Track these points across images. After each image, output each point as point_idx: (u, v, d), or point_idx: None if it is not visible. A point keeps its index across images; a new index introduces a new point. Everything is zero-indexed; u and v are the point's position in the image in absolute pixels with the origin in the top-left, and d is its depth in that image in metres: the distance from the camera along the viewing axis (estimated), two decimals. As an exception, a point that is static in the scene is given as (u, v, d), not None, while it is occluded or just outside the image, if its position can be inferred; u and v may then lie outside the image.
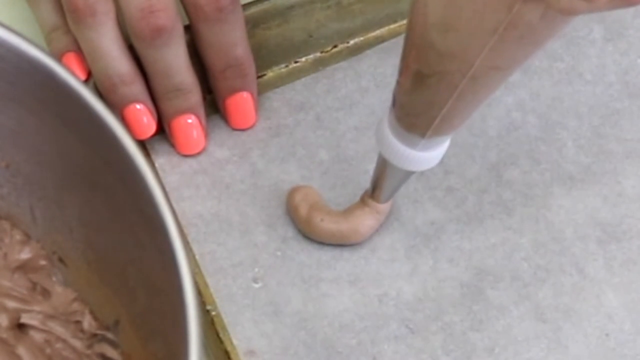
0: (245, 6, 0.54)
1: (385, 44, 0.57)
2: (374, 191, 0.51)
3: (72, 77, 0.40)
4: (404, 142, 0.46)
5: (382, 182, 0.50)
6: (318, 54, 0.57)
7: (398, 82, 0.44)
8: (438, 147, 0.46)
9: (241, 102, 0.55)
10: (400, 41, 0.43)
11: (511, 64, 0.40)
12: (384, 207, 0.52)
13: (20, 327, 0.48)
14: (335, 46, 0.57)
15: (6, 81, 0.42)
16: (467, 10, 0.37)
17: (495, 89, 0.42)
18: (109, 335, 0.46)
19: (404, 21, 0.55)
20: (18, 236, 0.48)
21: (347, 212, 0.53)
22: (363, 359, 0.51)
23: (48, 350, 0.47)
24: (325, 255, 0.53)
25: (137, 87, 0.53)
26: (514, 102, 0.57)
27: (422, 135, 0.44)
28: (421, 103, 0.43)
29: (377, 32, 0.58)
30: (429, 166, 0.47)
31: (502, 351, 0.51)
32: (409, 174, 0.48)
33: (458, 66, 0.39)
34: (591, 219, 0.54)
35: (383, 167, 0.48)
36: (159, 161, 0.55)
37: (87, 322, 0.47)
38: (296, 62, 0.57)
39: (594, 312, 0.52)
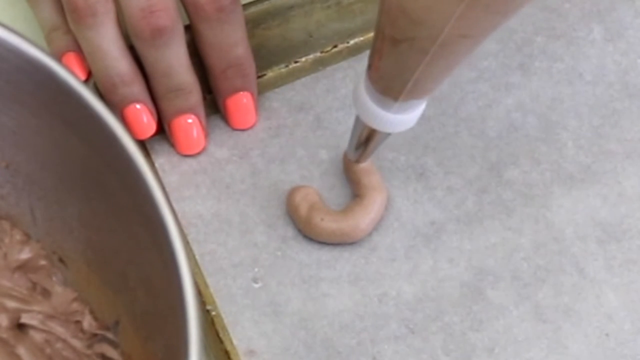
0: (245, 6, 0.55)
1: (385, 44, 0.58)
2: (351, 152, 0.52)
3: (72, 77, 0.40)
4: (379, 105, 0.46)
5: (358, 143, 0.50)
6: (318, 54, 0.57)
7: (372, 47, 0.45)
8: (413, 110, 0.47)
9: (241, 102, 0.55)
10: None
11: (479, 32, 0.41)
12: (380, 200, 0.52)
13: (20, 327, 0.48)
14: (335, 46, 0.57)
15: (6, 81, 0.42)
16: None
17: (467, 56, 0.43)
18: (109, 335, 0.46)
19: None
20: (18, 236, 0.48)
21: (347, 210, 0.53)
22: (363, 359, 0.51)
23: (48, 350, 0.47)
24: (325, 255, 0.53)
25: (137, 87, 0.53)
26: (514, 103, 0.57)
27: (396, 98, 0.45)
28: (394, 67, 0.44)
29: (377, 32, 0.58)
30: (404, 128, 0.48)
31: (502, 351, 0.51)
32: (385, 135, 0.49)
33: (428, 33, 0.40)
34: (591, 219, 0.54)
35: (360, 128, 0.49)
36: (159, 161, 0.55)
37: (87, 322, 0.47)
38: (296, 62, 0.57)
39: (594, 312, 0.52)
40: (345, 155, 0.53)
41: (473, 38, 0.41)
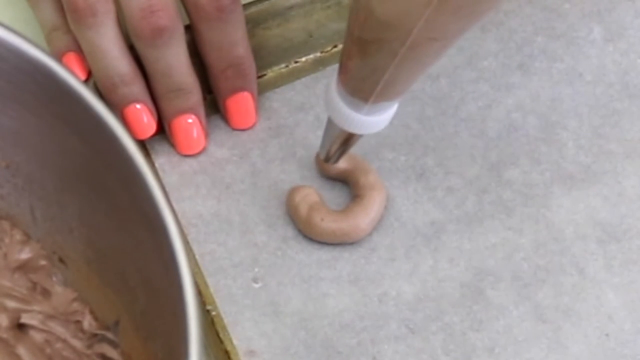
0: (246, 6, 0.55)
1: (385, 44, 0.58)
2: (323, 152, 0.51)
3: (72, 77, 0.40)
4: (349, 106, 0.46)
5: (331, 144, 0.50)
6: (318, 54, 0.57)
7: (343, 48, 0.44)
8: (384, 112, 0.47)
9: (241, 102, 0.55)
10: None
11: (449, 35, 0.41)
12: (380, 199, 0.52)
13: (20, 327, 0.48)
14: (335, 46, 0.57)
15: (6, 81, 0.42)
16: None
17: (436, 59, 0.42)
18: (109, 335, 0.46)
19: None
20: (18, 236, 0.48)
21: (347, 210, 0.53)
22: (363, 359, 0.51)
23: (48, 350, 0.47)
24: (325, 255, 0.53)
25: (137, 87, 0.53)
26: (513, 103, 0.57)
27: (366, 100, 0.45)
28: (364, 68, 0.44)
29: (377, 32, 0.58)
30: (375, 130, 0.47)
31: (502, 351, 0.51)
32: (356, 137, 0.49)
33: (397, 35, 0.40)
34: (591, 219, 0.54)
35: (332, 130, 0.49)
36: (159, 161, 0.55)
37: (87, 322, 0.47)
38: (296, 62, 0.57)
39: (594, 312, 0.52)
40: (317, 156, 0.53)
41: (442, 41, 0.41)
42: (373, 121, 0.47)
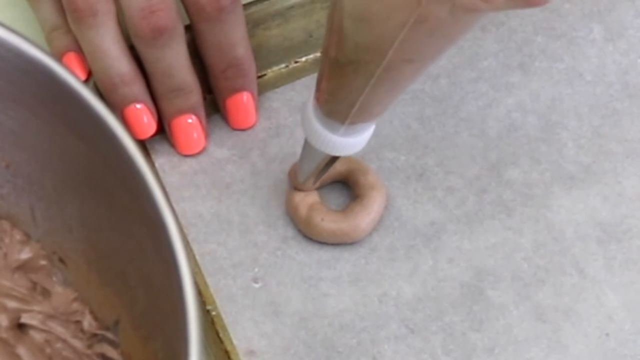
0: (246, 6, 0.55)
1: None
2: (301, 175, 0.51)
3: (72, 77, 0.40)
4: (325, 127, 0.46)
5: (307, 166, 0.50)
6: (318, 54, 0.57)
7: (319, 69, 0.44)
8: (360, 133, 0.46)
9: (241, 102, 0.55)
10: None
11: (424, 57, 0.40)
12: (380, 199, 0.52)
13: (21, 327, 0.48)
14: (335, 46, 0.57)
15: (6, 81, 0.42)
16: (379, 2, 0.38)
17: (412, 80, 0.42)
18: (109, 335, 0.46)
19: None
20: (18, 236, 0.48)
21: (347, 210, 0.53)
22: (363, 359, 0.51)
23: (48, 350, 0.47)
24: (325, 255, 0.53)
25: (137, 87, 0.53)
26: (514, 103, 0.57)
27: (342, 121, 0.45)
28: (339, 90, 0.43)
29: (377, 32, 0.58)
30: (351, 152, 0.47)
31: (502, 351, 0.51)
32: (333, 158, 0.49)
33: (372, 57, 0.40)
34: (591, 219, 0.54)
35: (308, 151, 0.49)
36: (159, 161, 0.55)
37: (87, 322, 0.47)
38: (296, 62, 0.57)
39: (594, 312, 0.52)
40: (290, 174, 0.53)
41: (418, 63, 0.41)
42: (350, 142, 0.47)
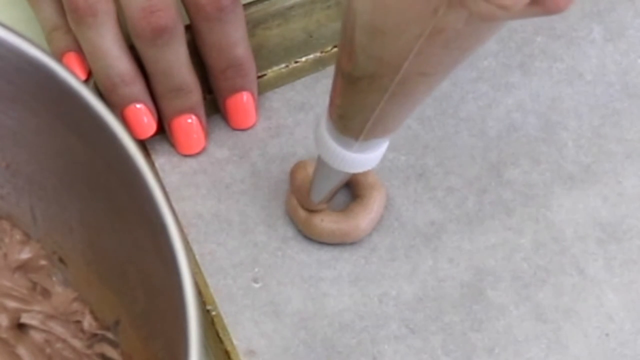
0: (246, 6, 0.55)
1: (386, 44, 0.58)
2: (316, 194, 0.51)
3: (72, 77, 0.40)
4: (339, 143, 0.46)
5: (321, 185, 0.50)
6: (318, 54, 0.57)
7: (332, 84, 0.44)
8: (375, 149, 0.46)
9: (241, 102, 0.55)
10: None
11: (438, 70, 0.40)
12: (380, 199, 0.52)
13: (21, 327, 0.48)
14: (335, 46, 0.57)
15: (6, 81, 0.42)
16: (393, 14, 0.37)
17: (427, 94, 0.42)
18: (109, 335, 0.46)
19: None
20: (18, 236, 0.48)
21: (347, 210, 0.53)
22: (363, 359, 0.51)
23: (48, 350, 0.47)
24: (325, 255, 0.53)
25: (137, 87, 0.53)
26: (514, 103, 0.57)
27: (356, 137, 0.45)
28: (353, 105, 0.43)
29: (377, 32, 0.58)
30: (366, 168, 0.47)
31: (502, 351, 0.51)
32: (346, 175, 0.48)
33: (386, 70, 0.40)
34: (591, 219, 0.54)
35: (321, 169, 0.48)
36: (159, 161, 0.55)
37: (87, 322, 0.47)
38: (296, 62, 0.57)
39: (594, 312, 0.52)
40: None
41: (432, 76, 0.40)
42: (364, 159, 0.46)
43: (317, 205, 0.52)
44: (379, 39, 0.39)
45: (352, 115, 0.44)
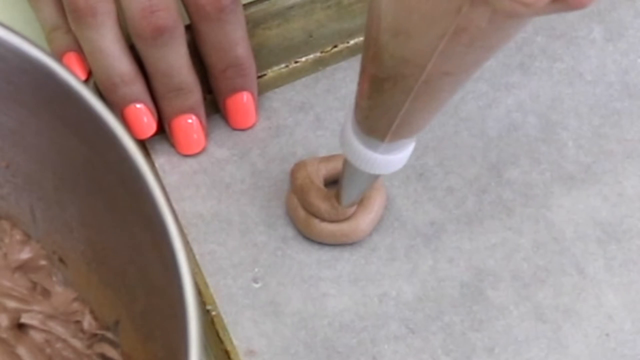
0: (246, 6, 0.55)
1: (386, 44, 0.58)
2: (345, 198, 0.51)
3: (72, 77, 0.40)
4: (365, 145, 0.45)
5: (350, 189, 0.50)
6: (318, 54, 0.57)
7: (357, 86, 0.44)
8: (401, 150, 0.46)
9: (241, 102, 0.55)
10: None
11: (463, 69, 0.40)
12: (380, 199, 0.52)
13: (20, 327, 0.48)
14: (335, 46, 0.57)
15: (6, 81, 0.42)
16: (417, 14, 0.37)
17: (452, 94, 0.42)
18: (109, 335, 0.46)
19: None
20: (18, 236, 0.48)
21: (347, 212, 0.53)
22: (363, 359, 0.51)
23: (48, 350, 0.47)
24: (325, 255, 0.53)
25: (137, 87, 0.53)
26: (514, 103, 0.57)
27: (382, 138, 0.44)
28: (379, 106, 0.43)
29: (377, 32, 0.58)
30: (393, 170, 0.46)
31: (502, 351, 0.51)
32: (373, 177, 0.48)
33: (411, 70, 0.40)
34: (591, 219, 0.54)
35: (349, 172, 0.48)
36: (159, 161, 0.55)
37: (87, 322, 0.47)
38: (296, 62, 0.57)
39: (594, 312, 0.52)
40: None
41: (456, 75, 0.40)
42: (391, 160, 0.46)
43: (347, 210, 0.52)
44: (403, 39, 0.39)
45: (378, 116, 0.44)
